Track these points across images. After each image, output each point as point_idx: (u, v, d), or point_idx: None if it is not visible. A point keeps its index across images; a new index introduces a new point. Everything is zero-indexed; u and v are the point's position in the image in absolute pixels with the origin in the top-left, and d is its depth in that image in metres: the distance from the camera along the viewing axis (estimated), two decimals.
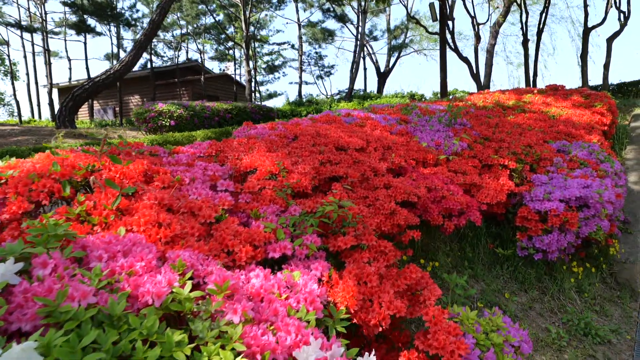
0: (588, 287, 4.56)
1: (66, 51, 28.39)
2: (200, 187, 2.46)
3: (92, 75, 24.11)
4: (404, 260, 3.69)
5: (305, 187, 2.88)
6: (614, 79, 30.14)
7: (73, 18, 23.58)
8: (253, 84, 32.39)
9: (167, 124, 9.30)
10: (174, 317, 1.43)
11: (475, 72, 17.56)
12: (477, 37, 18.65)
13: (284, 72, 35.13)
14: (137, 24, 26.20)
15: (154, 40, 31.35)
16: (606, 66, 15.31)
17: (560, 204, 4.18)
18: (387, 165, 3.99)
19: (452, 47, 16.68)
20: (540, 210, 4.22)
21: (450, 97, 11.97)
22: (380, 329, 1.87)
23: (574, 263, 4.59)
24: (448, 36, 15.79)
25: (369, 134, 4.67)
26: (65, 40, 29.83)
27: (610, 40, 15.42)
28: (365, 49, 28.02)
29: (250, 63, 29.28)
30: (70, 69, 33.83)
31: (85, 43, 25.06)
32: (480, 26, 18.24)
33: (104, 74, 10.90)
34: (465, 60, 17.37)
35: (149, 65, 24.61)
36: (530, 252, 4.16)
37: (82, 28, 23.02)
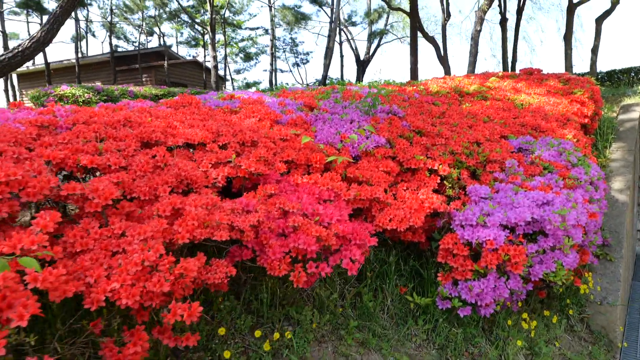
0: (545, 347, 3.16)
1: (28, 33, 26.64)
2: None
3: (52, 60, 22.43)
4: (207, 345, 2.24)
5: None
6: (604, 67, 28.62)
7: None
8: (227, 71, 30.62)
9: None
10: None
11: (442, 54, 15.73)
12: (446, 14, 16.79)
13: (257, 60, 33.45)
14: (94, 2, 24.80)
15: (121, 23, 29.57)
16: (594, 50, 13.72)
17: (500, 231, 2.76)
18: (229, 172, 2.54)
19: (418, 26, 15.02)
20: (471, 241, 2.81)
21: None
22: None
23: (524, 315, 3.17)
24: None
25: (233, 124, 3.21)
26: (27, 22, 28.14)
27: (599, 21, 13.80)
28: (343, 34, 26.34)
29: (221, 49, 27.49)
30: None
31: (40, 24, 23.25)
32: (450, 2, 16.53)
33: (11, 52, 9.25)
34: (431, 40, 15.53)
35: (119, 51, 23.02)
36: (454, 304, 2.74)
37: (32, 6, 21.26)
